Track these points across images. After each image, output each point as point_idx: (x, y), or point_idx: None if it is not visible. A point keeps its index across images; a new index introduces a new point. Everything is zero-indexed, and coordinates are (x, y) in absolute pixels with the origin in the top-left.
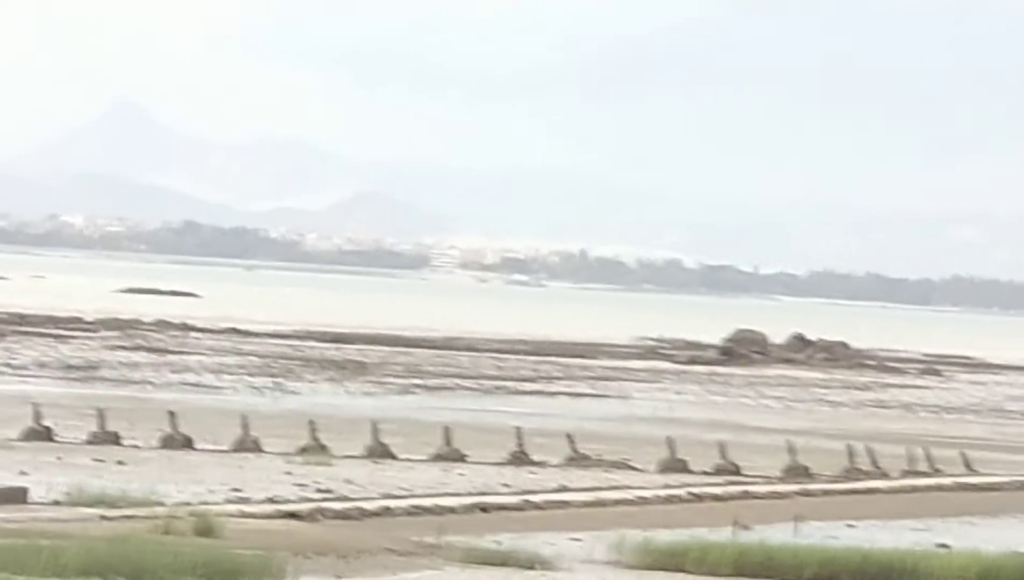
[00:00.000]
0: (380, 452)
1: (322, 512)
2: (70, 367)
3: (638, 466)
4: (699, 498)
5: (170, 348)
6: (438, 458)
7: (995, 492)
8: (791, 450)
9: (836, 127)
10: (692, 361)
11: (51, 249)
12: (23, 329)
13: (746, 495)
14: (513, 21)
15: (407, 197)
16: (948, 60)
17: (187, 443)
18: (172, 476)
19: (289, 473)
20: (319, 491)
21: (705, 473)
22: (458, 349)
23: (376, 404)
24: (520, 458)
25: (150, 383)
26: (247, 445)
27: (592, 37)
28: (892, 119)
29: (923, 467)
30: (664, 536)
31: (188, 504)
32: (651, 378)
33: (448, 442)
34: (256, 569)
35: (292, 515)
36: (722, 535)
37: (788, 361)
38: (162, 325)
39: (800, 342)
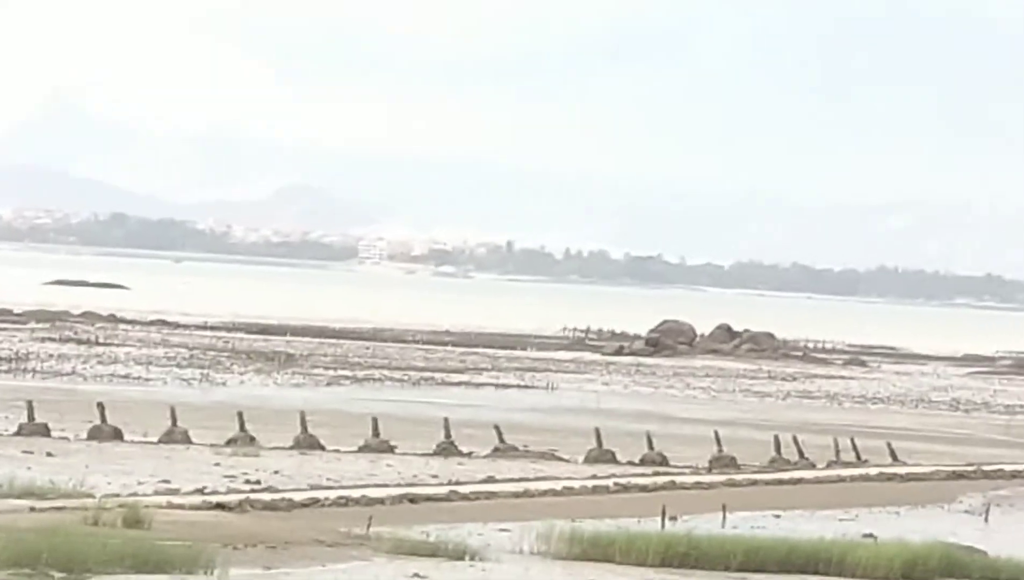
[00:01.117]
0: (308, 443)
1: (251, 503)
2: None
3: (565, 457)
4: (626, 489)
5: (99, 340)
6: (366, 449)
7: (920, 482)
8: (717, 440)
9: (763, 118)
10: (619, 352)
11: None
12: None
13: (673, 485)
14: (441, 12)
15: (335, 189)
16: (876, 52)
17: (116, 435)
18: (101, 467)
19: (218, 464)
20: (247, 482)
21: (632, 464)
22: (386, 340)
23: (304, 395)
24: (448, 449)
25: (79, 375)
26: (176, 436)
27: (520, 28)
28: (820, 110)
29: (849, 457)
30: (591, 526)
31: (117, 495)
32: (578, 369)
33: (376, 433)
34: (185, 560)
35: (221, 506)
36: (649, 525)
37: (714, 352)
38: (91, 317)
39: (726, 333)
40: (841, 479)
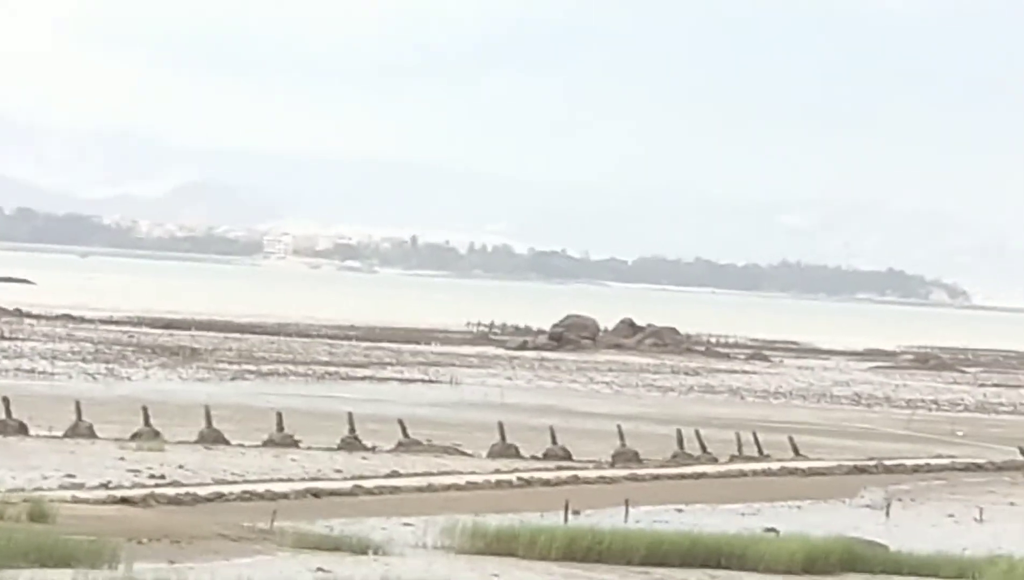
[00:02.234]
0: (213, 438)
1: (155, 498)
2: None
3: (469, 451)
4: (529, 483)
5: (4, 334)
6: (270, 444)
7: (822, 476)
8: (620, 435)
9: (668, 114)
10: (522, 347)
11: None
12: None
13: (576, 480)
14: (344, 7)
15: (241, 184)
16: (779, 52)
17: (21, 429)
18: (6, 462)
19: (123, 459)
20: (152, 477)
21: (535, 458)
22: (290, 335)
23: (209, 390)
24: (352, 444)
25: None
26: (81, 431)
27: (424, 25)
28: (724, 106)
29: (751, 452)
30: (495, 521)
31: (22, 490)
32: (482, 364)
33: (280, 428)
34: (89, 554)
35: (125, 501)
36: (552, 519)
37: (617, 346)
38: None
39: (629, 328)
40: (743, 473)
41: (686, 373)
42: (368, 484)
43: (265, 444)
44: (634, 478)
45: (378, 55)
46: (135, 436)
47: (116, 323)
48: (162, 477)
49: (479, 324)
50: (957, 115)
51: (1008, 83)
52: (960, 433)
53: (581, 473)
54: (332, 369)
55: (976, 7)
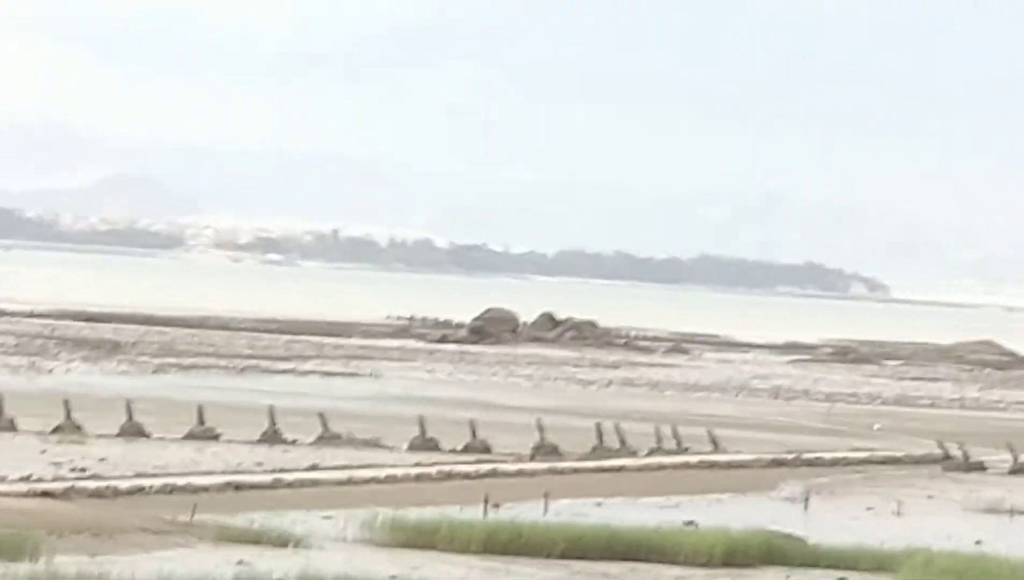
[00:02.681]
0: (134, 431)
1: (76, 491)
2: None
3: (389, 445)
4: (449, 476)
5: None
6: (191, 437)
7: (741, 470)
8: (540, 429)
9: (589, 108)
10: (443, 340)
11: None
12: None
13: (496, 473)
14: (267, 5)
15: (163, 177)
16: (695, 44)
17: None
18: None
19: (44, 452)
20: (73, 470)
21: (455, 452)
22: (211, 328)
23: (130, 383)
24: (273, 437)
25: None
26: (2, 424)
27: (348, 20)
28: (642, 100)
29: (671, 445)
30: (415, 514)
31: None
32: (403, 357)
33: (201, 421)
34: (10, 547)
35: (46, 494)
36: (472, 513)
37: (538, 340)
38: None
39: (550, 321)
40: (663, 467)
41: (606, 367)
42: (289, 477)
43: (186, 437)
44: (554, 471)
45: (299, 48)
46: (56, 429)
47: (38, 316)
48: (83, 470)
49: (400, 317)
50: (876, 108)
51: (922, 76)
52: (877, 426)
53: (501, 466)
54: (253, 362)
55: (890, 2)
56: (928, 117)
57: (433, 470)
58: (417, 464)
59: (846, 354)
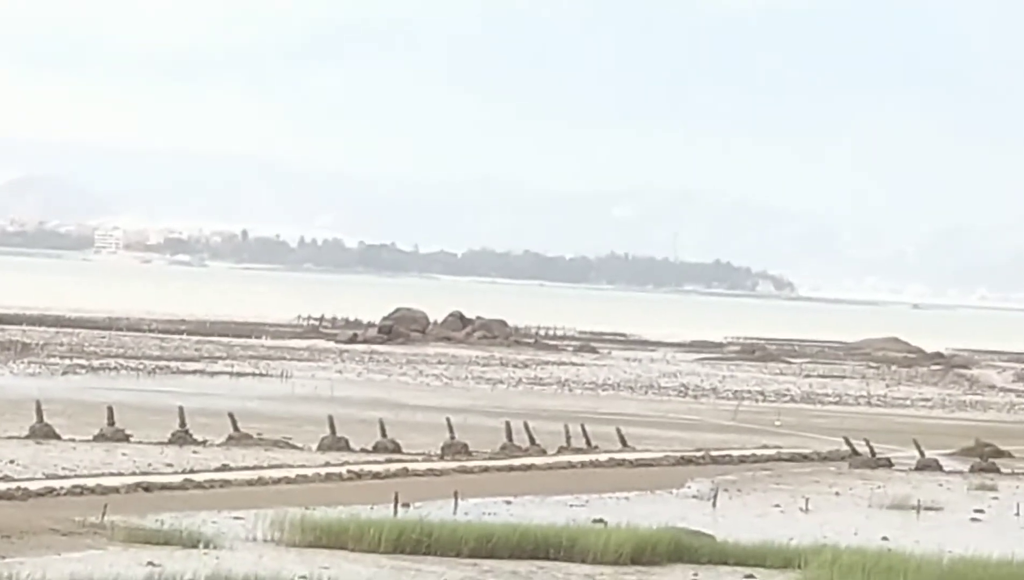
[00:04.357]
0: (44, 432)
1: None
2: None
3: (299, 445)
4: (359, 476)
5: None
6: (102, 438)
7: (650, 467)
8: (450, 427)
9: (497, 108)
10: (352, 340)
11: None
12: None
13: (405, 472)
14: (169, 6)
15: (72, 179)
16: (601, 44)
17: None
18: None
19: None
20: None
21: (365, 451)
22: (121, 329)
23: (40, 384)
24: (182, 438)
25: None
26: None
27: (256, 20)
28: (553, 100)
29: (579, 444)
30: (324, 514)
31: None
32: (312, 357)
33: (111, 422)
34: None
35: None
36: (382, 512)
37: (447, 339)
38: None
39: (459, 320)
40: (572, 465)
41: (515, 365)
42: (199, 478)
43: (96, 438)
44: (463, 470)
45: (210, 50)
46: None
47: None
48: None
49: (309, 318)
50: (782, 107)
51: (831, 75)
52: (778, 422)
53: (411, 465)
54: (163, 363)
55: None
56: (836, 118)
57: (343, 470)
58: (327, 464)
59: (753, 352)
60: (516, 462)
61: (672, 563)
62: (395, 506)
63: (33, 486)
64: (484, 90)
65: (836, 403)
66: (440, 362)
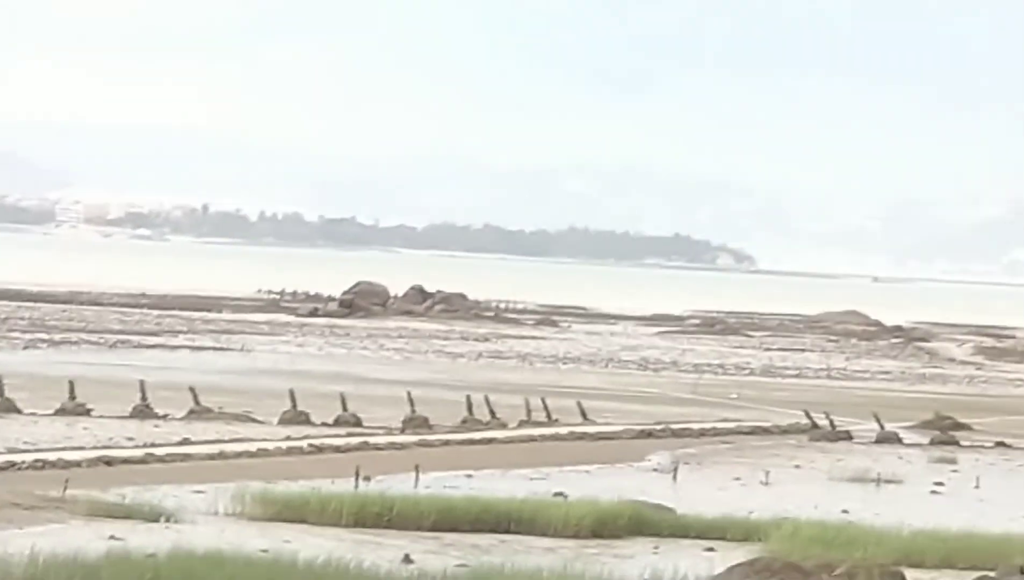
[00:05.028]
0: (5, 407)
1: None
2: None
3: (260, 418)
4: (320, 450)
5: None
6: (63, 412)
7: (610, 441)
8: (410, 401)
9: (454, 83)
10: (313, 314)
11: None
12: None
13: (367, 446)
14: None
15: (32, 153)
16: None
17: None
18: None
19: None
20: None
21: (326, 425)
22: (82, 303)
23: (1, 359)
24: (144, 412)
25: None
26: None
27: None
28: (507, 73)
29: (540, 417)
30: (286, 487)
31: None
32: (273, 331)
33: (72, 396)
34: None
35: None
36: (343, 486)
37: (408, 313)
38: None
39: (419, 294)
40: (532, 439)
41: (475, 339)
42: (160, 452)
43: (57, 413)
44: (424, 444)
45: (164, 24)
46: None
47: None
48: None
49: (270, 291)
50: (740, 82)
51: (785, 49)
52: (734, 395)
53: (371, 439)
54: (124, 337)
55: None
56: (792, 90)
57: (304, 443)
58: (288, 438)
59: (713, 325)
60: (477, 436)
61: (633, 536)
62: (356, 480)
63: None
64: (441, 64)
65: (796, 376)
66: (401, 336)
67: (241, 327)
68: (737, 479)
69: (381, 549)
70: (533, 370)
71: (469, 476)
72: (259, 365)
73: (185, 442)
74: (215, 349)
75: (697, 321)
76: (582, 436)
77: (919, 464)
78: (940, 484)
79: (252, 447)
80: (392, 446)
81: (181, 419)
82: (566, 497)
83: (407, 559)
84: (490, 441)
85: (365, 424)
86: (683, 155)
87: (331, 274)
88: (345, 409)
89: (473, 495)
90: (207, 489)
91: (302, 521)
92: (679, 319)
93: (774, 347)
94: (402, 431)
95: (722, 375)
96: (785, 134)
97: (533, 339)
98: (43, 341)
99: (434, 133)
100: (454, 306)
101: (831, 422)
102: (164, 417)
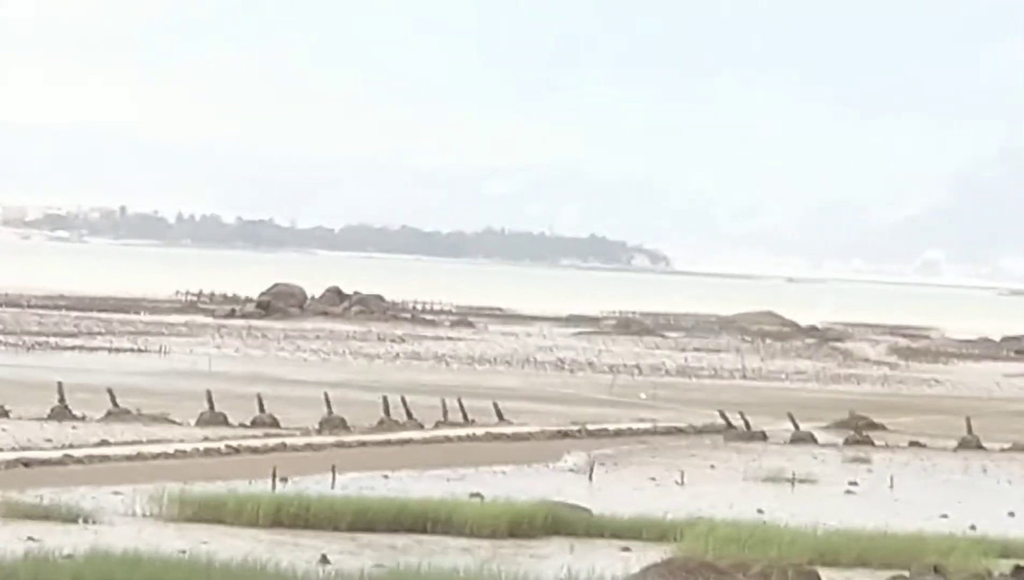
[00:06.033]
0: None
1: None
2: None
3: (178, 420)
4: (237, 451)
5: None
6: None
7: (526, 441)
8: (327, 402)
9: (373, 84)
10: (230, 315)
11: None
12: None
13: (284, 447)
14: None
15: None
16: (472, 18)
17: None
18: None
19: None
20: None
21: (243, 426)
22: (0, 305)
23: None
24: (62, 413)
25: None
26: None
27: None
28: (427, 76)
29: (457, 418)
30: (203, 488)
31: None
32: (190, 332)
33: None
34: None
35: None
36: (260, 487)
37: (325, 314)
38: None
39: (336, 295)
40: (449, 439)
41: (392, 340)
42: (78, 453)
43: None
44: (341, 445)
45: (88, 25)
46: None
47: None
48: None
49: (187, 293)
50: (659, 84)
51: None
52: (643, 395)
53: (289, 440)
54: (42, 339)
55: None
56: (708, 91)
57: (221, 445)
58: (205, 439)
59: (629, 326)
60: (394, 436)
61: (548, 536)
62: (273, 481)
63: None
64: (361, 66)
65: (711, 377)
66: (318, 337)
67: (159, 328)
68: (653, 479)
69: (298, 550)
70: (450, 371)
71: (386, 477)
72: (177, 366)
73: (103, 443)
74: (133, 351)
75: (613, 322)
76: (498, 437)
77: (834, 464)
78: (854, 484)
79: (170, 448)
80: (309, 447)
81: (99, 420)
82: (482, 497)
83: (324, 560)
84: (407, 442)
85: (282, 425)
86: (600, 156)
87: (248, 276)
88: (262, 410)
89: (390, 496)
90: (125, 490)
91: (220, 522)
92: (595, 320)
93: (689, 347)
94: (319, 432)
95: (638, 376)
96: (704, 136)
97: (450, 340)
98: None
99: (351, 135)
100: (371, 307)
101: (746, 422)
102: (82, 418)
